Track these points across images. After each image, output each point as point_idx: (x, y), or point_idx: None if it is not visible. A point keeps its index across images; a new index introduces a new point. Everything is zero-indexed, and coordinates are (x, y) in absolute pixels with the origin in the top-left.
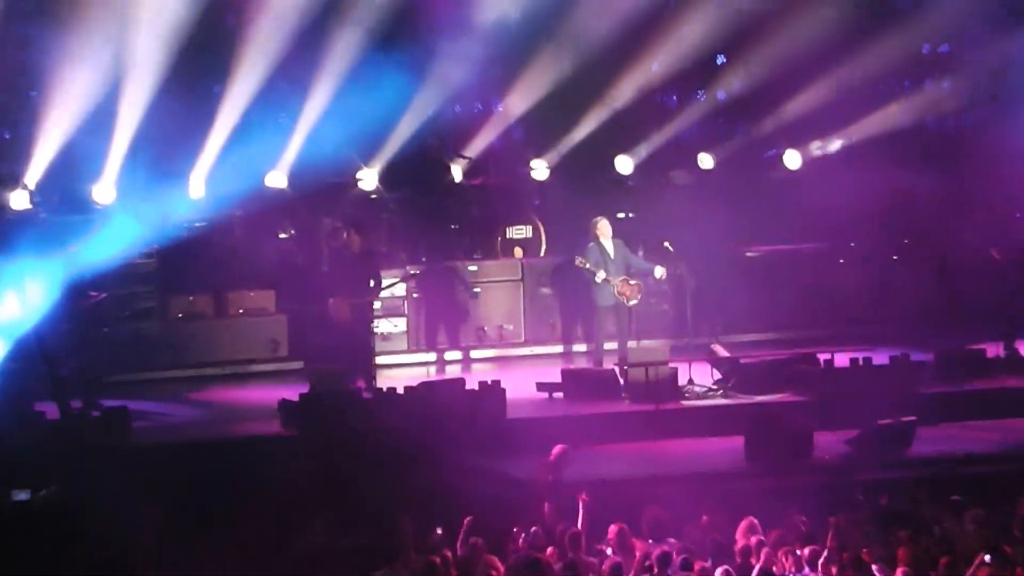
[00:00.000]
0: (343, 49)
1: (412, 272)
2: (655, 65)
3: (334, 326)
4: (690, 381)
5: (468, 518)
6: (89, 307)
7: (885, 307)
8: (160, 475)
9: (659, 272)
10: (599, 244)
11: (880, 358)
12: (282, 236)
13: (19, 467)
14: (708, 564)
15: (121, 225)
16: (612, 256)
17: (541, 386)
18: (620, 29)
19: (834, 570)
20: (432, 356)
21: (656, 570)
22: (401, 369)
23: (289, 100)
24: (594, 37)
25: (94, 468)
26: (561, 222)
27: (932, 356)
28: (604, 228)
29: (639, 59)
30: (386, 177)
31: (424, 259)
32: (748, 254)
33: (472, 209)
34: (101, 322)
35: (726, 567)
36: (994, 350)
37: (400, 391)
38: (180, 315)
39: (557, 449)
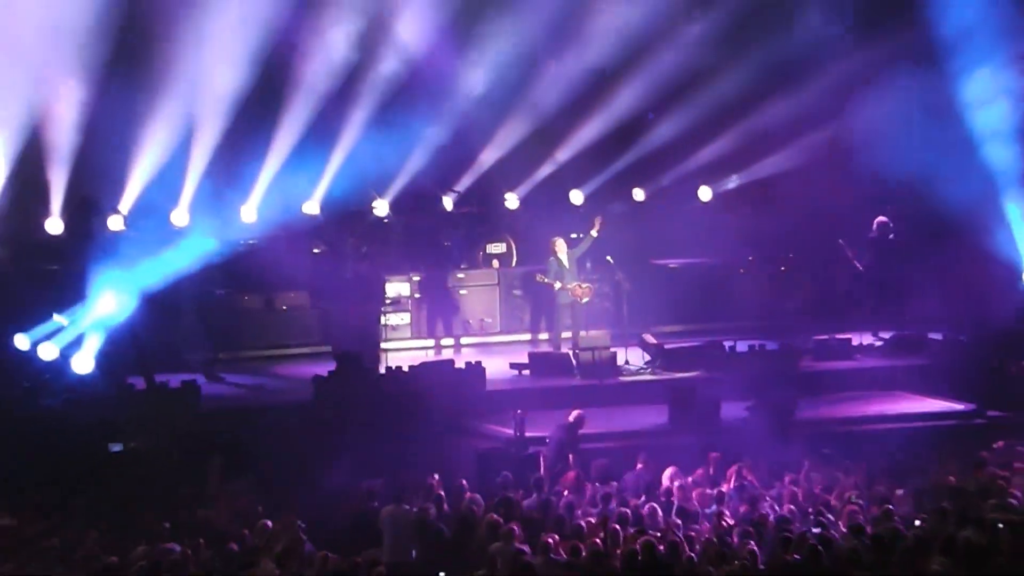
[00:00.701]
0: (361, 109)
1: (414, 278)
2: (599, 121)
3: (352, 321)
4: (626, 362)
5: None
6: (205, 302)
7: (774, 306)
8: (220, 432)
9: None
10: (556, 258)
11: (771, 345)
12: (315, 251)
13: (114, 426)
14: (640, 501)
15: (194, 242)
16: (567, 266)
17: (513, 365)
18: (569, 95)
19: (739, 508)
20: (430, 342)
21: (601, 506)
22: (406, 352)
23: (321, 147)
24: (549, 103)
25: (171, 427)
26: (528, 240)
27: (810, 343)
28: (560, 246)
29: (586, 118)
30: (394, 206)
31: (423, 268)
32: (671, 265)
33: (459, 230)
34: (208, 314)
35: (653, 504)
36: (858, 339)
37: (405, 369)
38: (238, 310)
39: (575, 413)
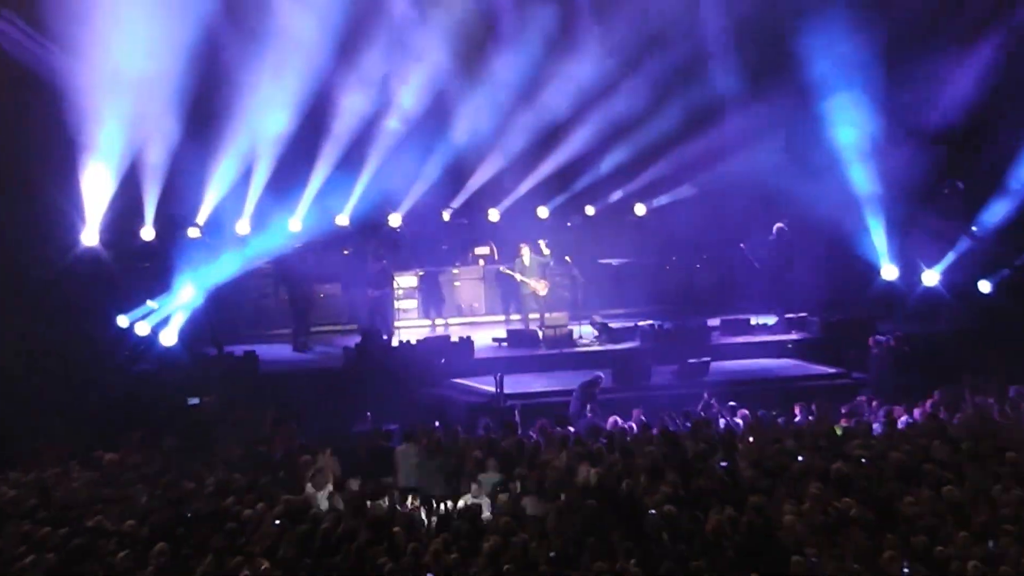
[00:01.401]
0: (380, 144)
1: (419, 273)
2: (559, 156)
3: (372, 305)
4: (580, 336)
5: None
6: (298, 293)
7: (692, 293)
8: (273, 389)
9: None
10: (521, 260)
11: (690, 323)
12: (344, 252)
13: (192, 385)
14: (590, 442)
15: (252, 247)
16: (528, 265)
17: (495, 339)
18: (535, 137)
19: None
20: (430, 322)
21: (562, 447)
22: (414, 329)
23: (349, 174)
24: (521, 143)
25: (235, 385)
26: (506, 245)
27: (719, 321)
28: (525, 251)
29: (549, 154)
30: (404, 218)
31: (426, 266)
32: (613, 263)
33: (454, 237)
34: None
35: (602, 441)
36: (755, 318)
37: (413, 341)
38: (286, 298)
39: (594, 375)
